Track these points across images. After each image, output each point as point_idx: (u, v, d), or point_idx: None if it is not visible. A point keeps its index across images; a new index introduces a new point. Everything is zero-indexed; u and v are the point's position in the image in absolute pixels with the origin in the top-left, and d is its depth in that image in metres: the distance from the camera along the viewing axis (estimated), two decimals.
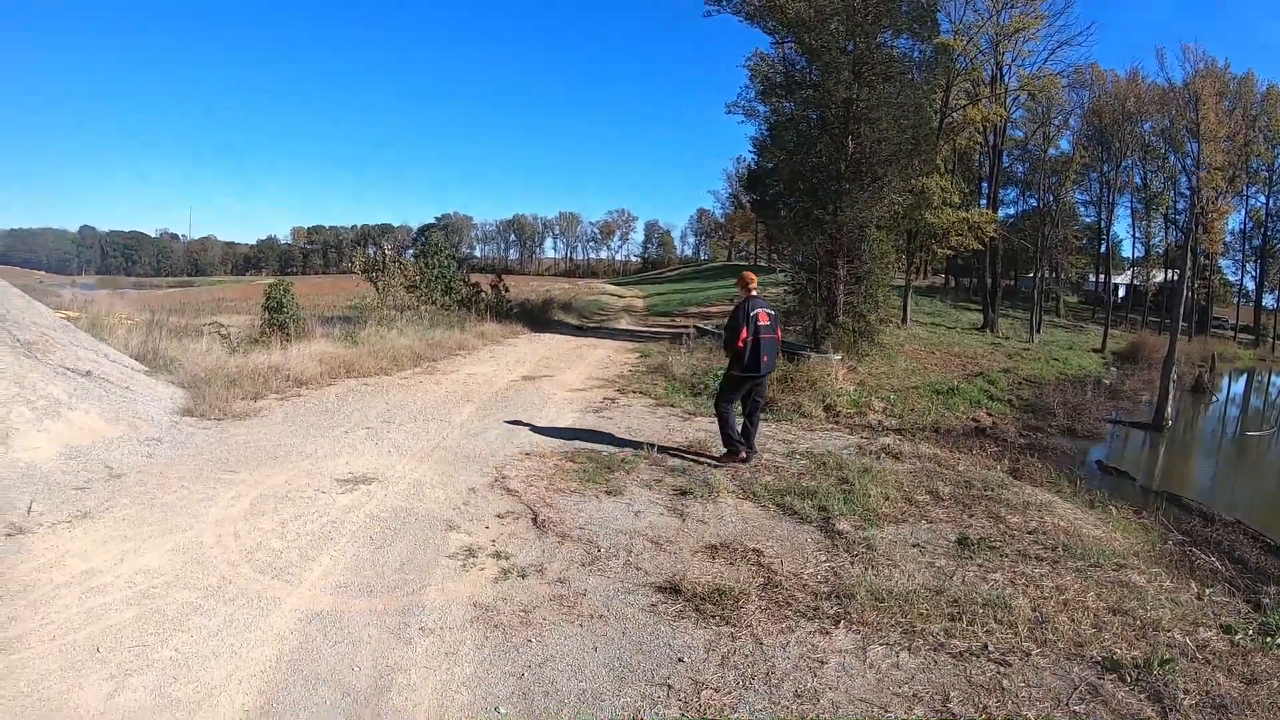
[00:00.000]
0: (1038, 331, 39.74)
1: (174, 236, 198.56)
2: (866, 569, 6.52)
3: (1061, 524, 7.87)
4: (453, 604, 5.92)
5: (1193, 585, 6.57)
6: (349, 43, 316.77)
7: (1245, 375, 42.90)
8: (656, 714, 4.53)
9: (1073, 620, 5.57)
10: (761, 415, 11.13)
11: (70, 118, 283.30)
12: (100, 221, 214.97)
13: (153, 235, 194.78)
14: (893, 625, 5.50)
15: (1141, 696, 4.60)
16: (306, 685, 4.84)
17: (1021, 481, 9.96)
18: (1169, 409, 21.23)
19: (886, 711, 4.52)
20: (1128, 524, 8.72)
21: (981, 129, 39.22)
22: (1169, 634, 5.41)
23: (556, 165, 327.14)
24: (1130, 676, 4.80)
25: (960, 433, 14.94)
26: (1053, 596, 5.97)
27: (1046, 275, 48.90)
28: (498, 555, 6.83)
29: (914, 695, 4.69)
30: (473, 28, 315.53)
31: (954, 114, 35.61)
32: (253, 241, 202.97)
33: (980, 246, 37.45)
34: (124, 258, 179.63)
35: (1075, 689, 4.69)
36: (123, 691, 4.70)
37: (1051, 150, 49.16)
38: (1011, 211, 55.48)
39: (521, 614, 5.75)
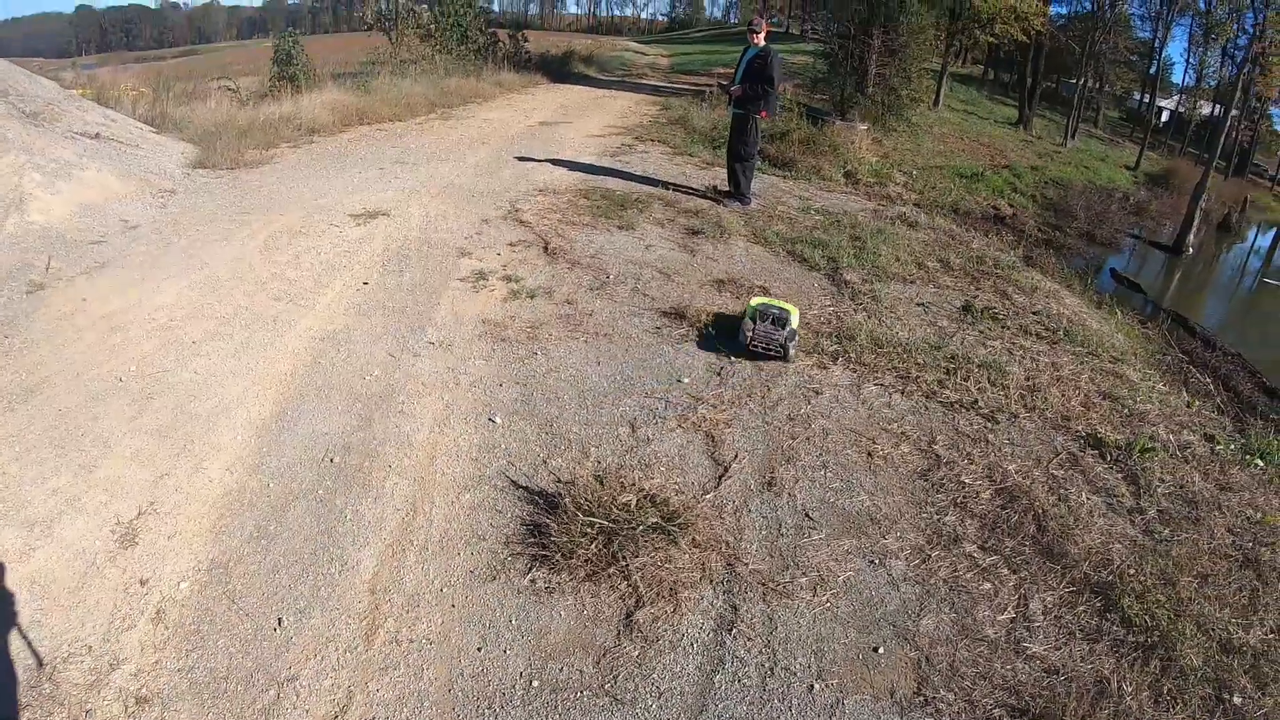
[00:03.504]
0: (1072, 137, 38.17)
1: (175, 5, 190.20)
2: (869, 317, 6.63)
3: (1066, 312, 7.83)
4: (462, 321, 6.13)
5: (1184, 394, 6.49)
6: None
7: (1277, 228, 41.07)
8: (653, 423, 4.76)
9: (1063, 395, 5.63)
10: (781, 174, 11.96)
11: None
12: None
13: (153, 6, 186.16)
14: (889, 369, 5.64)
15: (1118, 475, 4.70)
16: (319, 394, 5.08)
17: (1033, 269, 9.84)
18: (1191, 236, 20.72)
19: (874, 443, 4.71)
20: (1131, 330, 8.60)
21: None
22: (1154, 428, 5.40)
23: None
24: (1111, 456, 4.88)
25: (979, 216, 14.80)
26: (1047, 371, 6.04)
27: (1090, 84, 46.59)
28: (508, 278, 6.99)
29: (901, 433, 4.87)
30: None
31: None
32: (259, 3, 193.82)
33: (1025, 39, 35.50)
34: (125, 34, 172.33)
35: (1057, 455, 4.80)
36: (145, 413, 4.93)
37: None
38: (1064, 11, 51.91)
39: (528, 330, 5.96)
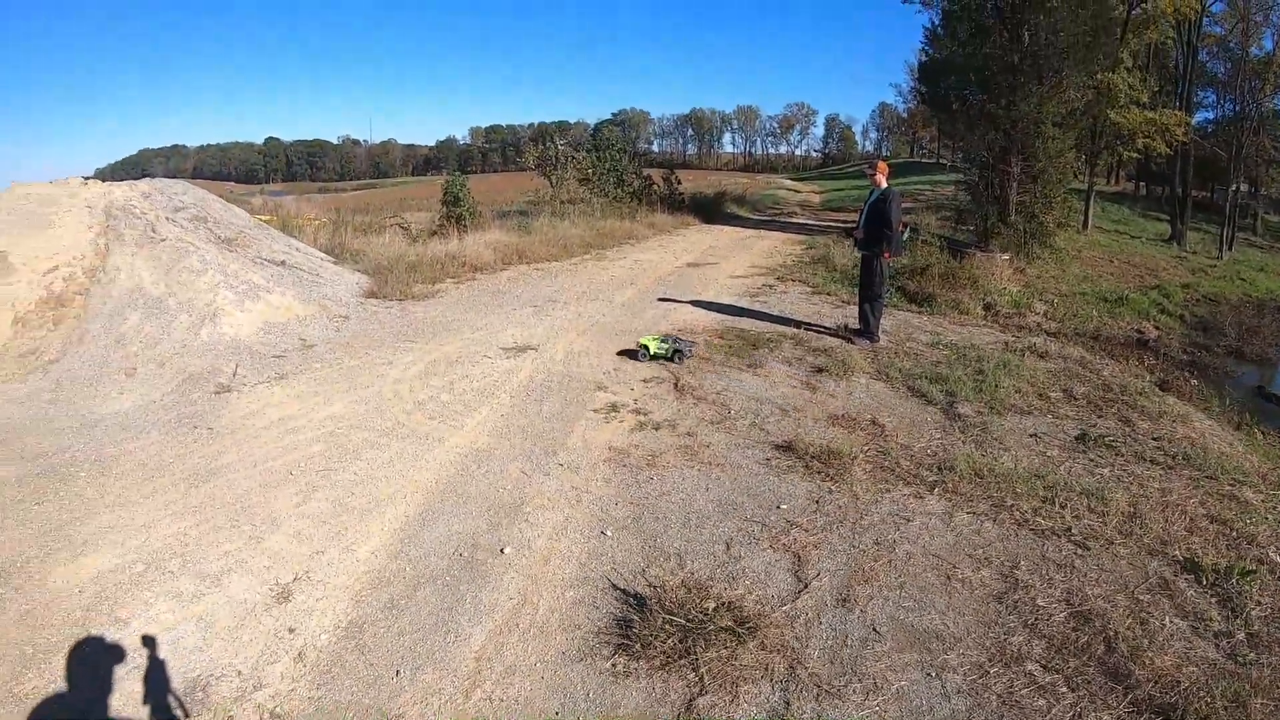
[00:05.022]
0: (1228, 248, 36.05)
1: (356, 142, 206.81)
2: (975, 448, 6.79)
3: (1193, 435, 7.60)
4: (590, 448, 6.82)
5: None
6: None
7: None
8: (747, 542, 5.21)
9: (1166, 520, 5.57)
10: (918, 309, 12.27)
11: (253, 34, 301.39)
12: (284, 132, 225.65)
13: (335, 142, 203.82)
14: (984, 498, 5.82)
15: (1211, 599, 4.60)
16: (458, 501, 5.88)
17: (1166, 394, 9.44)
18: None
19: (955, 568, 4.92)
20: (1271, 450, 8.15)
21: (1174, 23, 34.86)
22: (1263, 550, 5.24)
23: (734, 57, 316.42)
24: (1207, 580, 4.76)
25: (1119, 342, 14.39)
26: (1154, 497, 5.96)
27: (1243, 189, 44.17)
28: (637, 411, 7.68)
29: (985, 559, 5.03)
30: None
31: (1143, 4, 31.72)
32: (432, 143, 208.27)
33: (1169, 151, 34.10)
34: (309, 165, 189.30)
35: (1146, 580, 4.77)
36: (309, 501, 5.93)
37: (1254, 50, 41.68)
38: (1210, 116, 49.14)
39: (649, 458, 6.57)
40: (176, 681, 4.08)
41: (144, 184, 14.65)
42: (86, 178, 14.22)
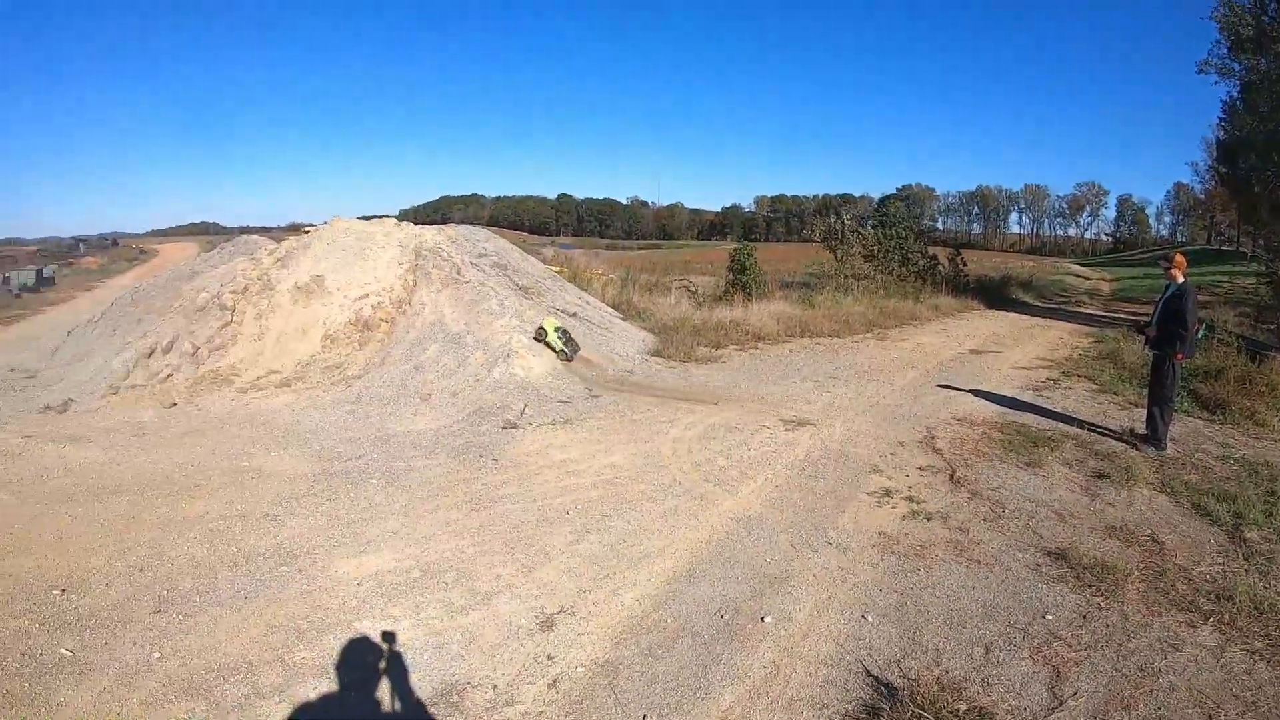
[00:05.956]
0: None
1: (643, 203, 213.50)
2: (1259, 579, 6.31)
3: None
4: (861, 530, 6.99)
5: None
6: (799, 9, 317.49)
7: None
8: (1007, 648, 5.19)
9: None
10: (1209, 417, 11.32)
11: (549, 99, 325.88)
12: (576, 190, 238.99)
13: (624, 202, 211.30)
14: (1261, 635, 5.45)
15: None
16: (724, 564, 6.23)
17: None
18: None
19: (1219, 708, 4.66)
20: None
21: None
22: None
23: (1023, 133, 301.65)
24: None
25: None
26: None
27: None
28: (910, 499, 7.73)
29: (1252, 703, 4.73)
30: None
31: None
32: (717, 209, 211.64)
33: None
34: (597, 222, 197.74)
35: None
36: (582, 541, 6.54)
37: None
38: None
39: (918, 548, 6.62)
40: (435, 681, 4.67)
41: (450, 229, 16.47)
42: (397, 219, 16.20)
